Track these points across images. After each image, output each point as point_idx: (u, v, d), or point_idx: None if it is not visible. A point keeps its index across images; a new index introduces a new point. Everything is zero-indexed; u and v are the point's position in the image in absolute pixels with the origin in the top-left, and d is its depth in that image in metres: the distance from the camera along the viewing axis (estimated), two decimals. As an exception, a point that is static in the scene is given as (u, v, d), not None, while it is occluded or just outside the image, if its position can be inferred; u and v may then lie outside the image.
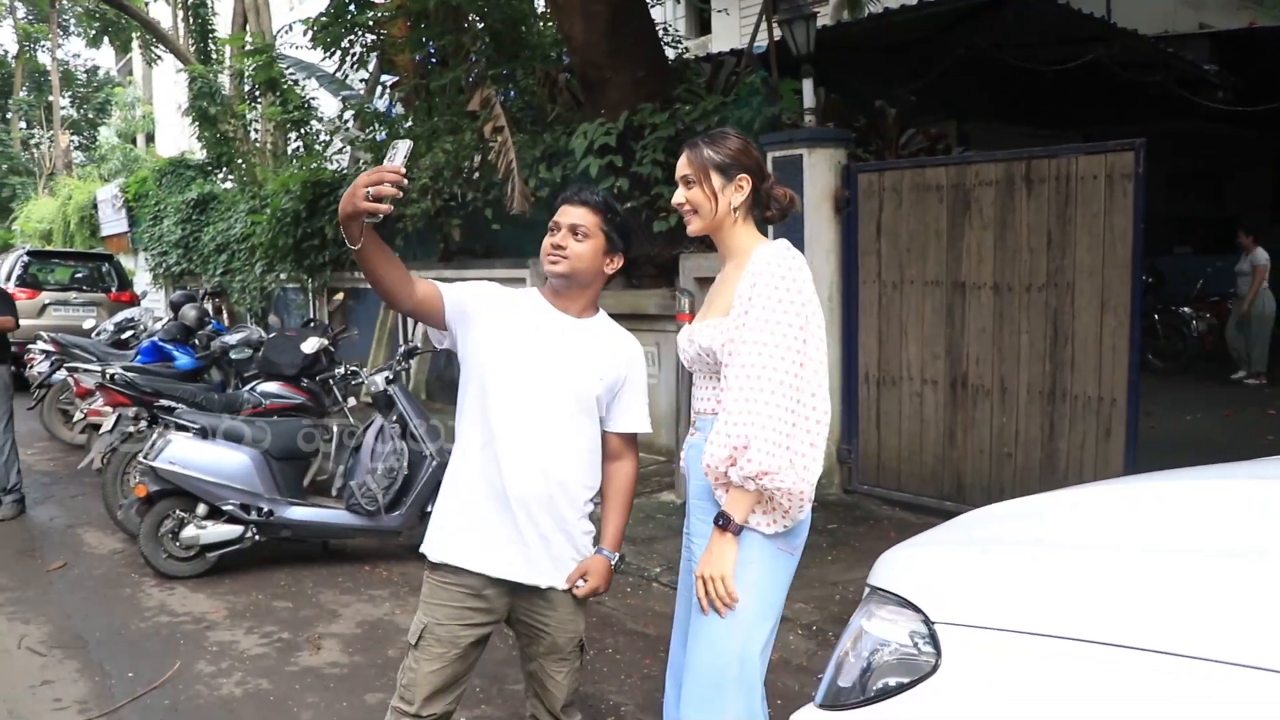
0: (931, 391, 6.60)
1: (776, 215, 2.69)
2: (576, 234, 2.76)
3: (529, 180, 9.33)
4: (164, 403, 6.38)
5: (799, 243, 7.02)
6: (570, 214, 2.80)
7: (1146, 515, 2.08)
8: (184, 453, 5.80)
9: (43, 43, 36.98)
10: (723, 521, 2.46)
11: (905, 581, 1.89)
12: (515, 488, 2.73)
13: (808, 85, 7.51)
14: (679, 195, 2.68)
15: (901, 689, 1.73)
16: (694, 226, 2.68)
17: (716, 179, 2.62)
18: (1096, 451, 5.80)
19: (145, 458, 5.85)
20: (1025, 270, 6.09)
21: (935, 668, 1.68)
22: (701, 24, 17.32)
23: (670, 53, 10.38)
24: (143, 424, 6.56)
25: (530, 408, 2.74)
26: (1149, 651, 1.46)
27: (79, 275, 16.04)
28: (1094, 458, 5.82)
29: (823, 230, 6.99)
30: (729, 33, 15.38)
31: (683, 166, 2.67)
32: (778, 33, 8.44)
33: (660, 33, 10.04)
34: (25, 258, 15.83)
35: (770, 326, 2.42)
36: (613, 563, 2.91)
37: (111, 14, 24.07)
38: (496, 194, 9.79)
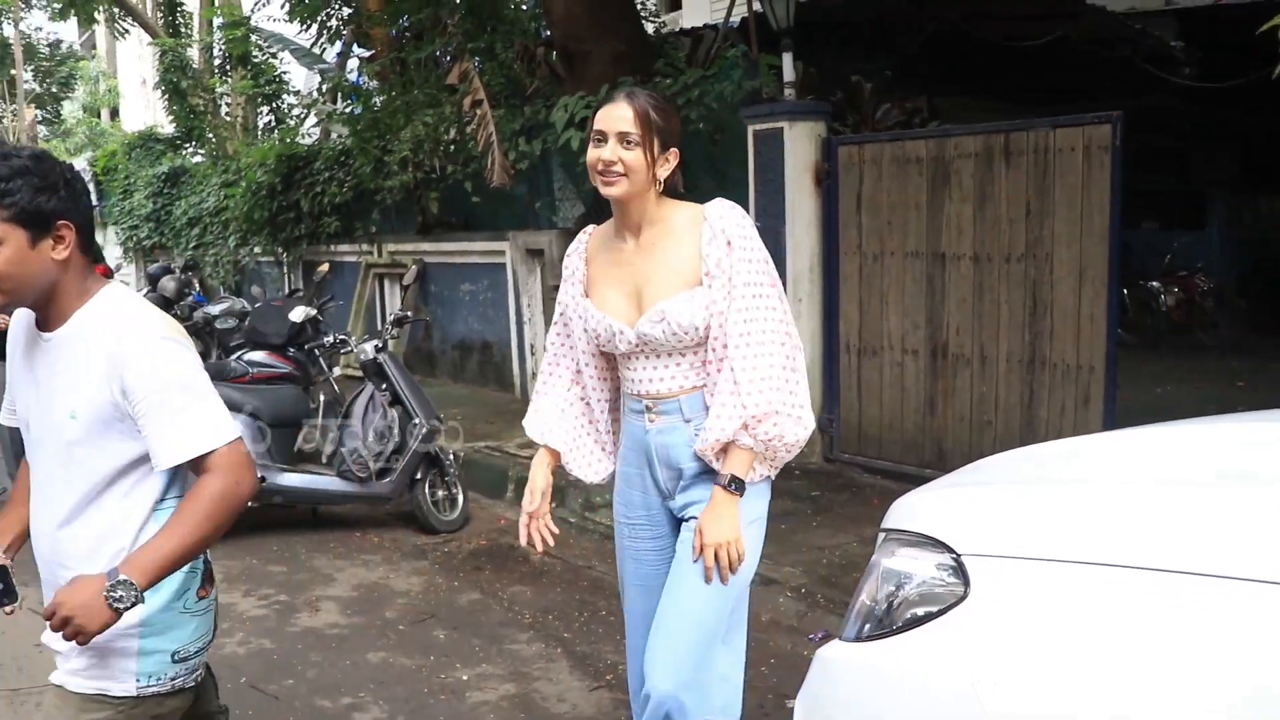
0: (912, 361, 6.73)
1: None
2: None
3: (508, 153, 9.36)
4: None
5: (779, 214, 7.13)
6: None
7: (1151, 455, 2.21)
8: (176, 420, 5.84)
9: (5, 15, 36.44)
10: (735, 485, 2.44)
11: (928, 521, 2.02)
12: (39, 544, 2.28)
13: (787, 59, 7.58)
14: (610, 152, 2.47)
15: (930, 617, 1.85)
16: (619, 189, 2.48)
17: (656, 145, 2.49)
18: (1075, 419, 5.95)
19: (137, 426, 5.88)
20: (1004, 241, 6.22)
21: (963, 597, 1.81)
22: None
23: (649, 27, 10.44)
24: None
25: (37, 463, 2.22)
26: (1169, 572, 1.59)
27: None
28: (1072, 425, 5.96)
29: (803, 202, 7.09)
30: (698, 8, 15.40)
31: (624, 121, 2.46)
32: (756, 6, 8.50)
33: (639, 6, 10.09)
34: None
35: (758, 289, 2.44)
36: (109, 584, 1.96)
37: (76, -18, 23.83)
38: (476, 167, 9.82)
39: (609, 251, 2.63)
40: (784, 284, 6.98)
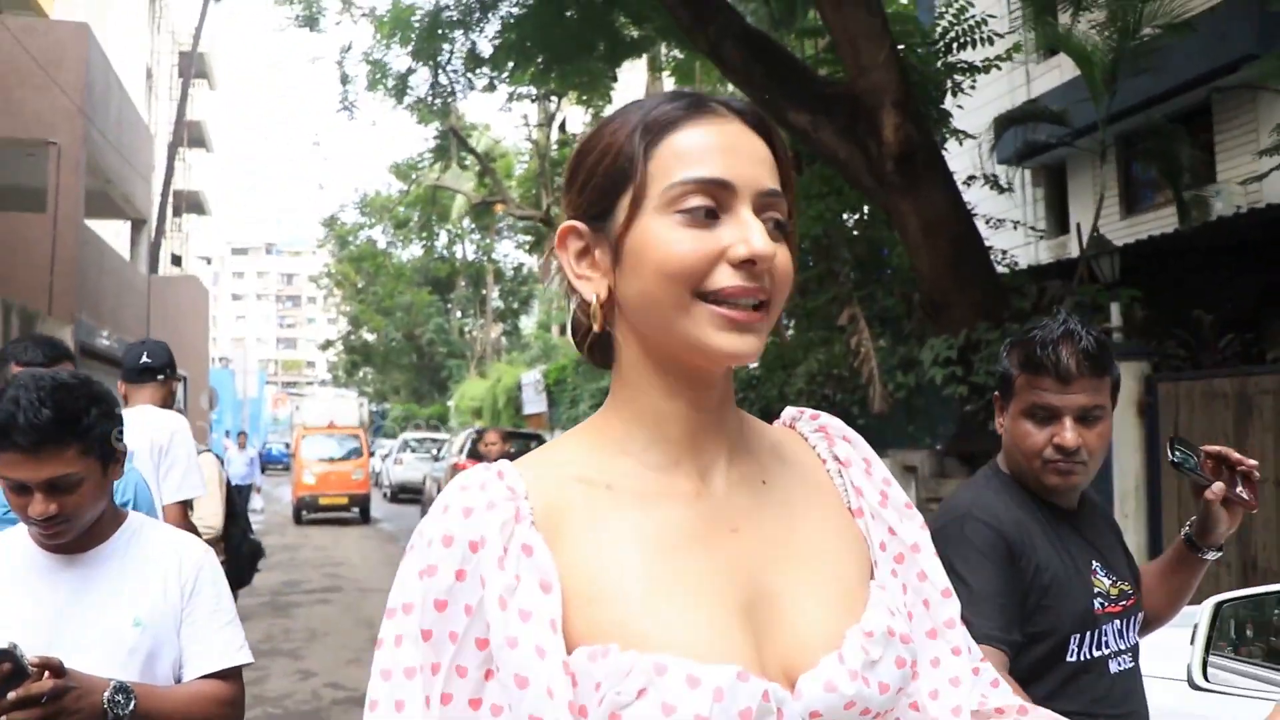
0: (1225, 572, 7.74)
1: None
2: None
3: (888, 384, 11.23)
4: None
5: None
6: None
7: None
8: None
9: (482, 250, 43.72)
10: None
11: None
12: None
13: (1115, 308, 9.05)
14: (762, 243, 0.96)
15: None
16: (755, 345, 1.00)
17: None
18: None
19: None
20: (1302, 468, 7.30)
21: None
22: (1061, 223, 18.46)
23: (1043, 249, 12.00)
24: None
25: None
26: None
27: (512, 452, 19.37)
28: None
29: (1128, 431, 8.44)
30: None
31: (766, 168, 1.02)
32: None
33: (1000, 255, 11.84)
34: (474, 435, 19.68)
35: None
36: None
37: (544, 227, 28.85)
38: (861, 395, 11.77)
39: (630, 503, 1.03)
40: (1112, 501, 8.41)
